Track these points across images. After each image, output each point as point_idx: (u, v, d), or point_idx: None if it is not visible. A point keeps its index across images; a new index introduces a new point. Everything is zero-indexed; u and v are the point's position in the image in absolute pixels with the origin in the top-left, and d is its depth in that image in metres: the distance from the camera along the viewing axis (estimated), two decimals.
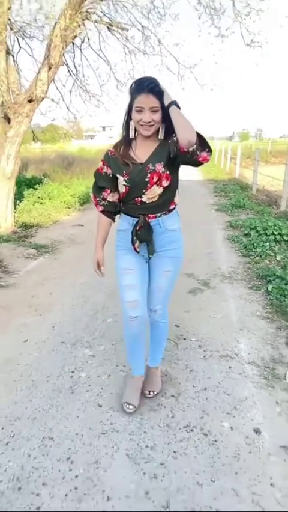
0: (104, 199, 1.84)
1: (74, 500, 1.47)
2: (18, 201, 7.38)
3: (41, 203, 7.96)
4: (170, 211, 1.80)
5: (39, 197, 8.34)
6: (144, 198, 1.71)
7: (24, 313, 3.07)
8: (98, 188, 1.84)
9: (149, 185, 1.67)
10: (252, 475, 1.59)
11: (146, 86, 1.56)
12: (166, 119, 1.61)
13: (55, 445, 1.73)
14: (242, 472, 1.60)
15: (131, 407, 1.94)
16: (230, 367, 2.35)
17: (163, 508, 1.43)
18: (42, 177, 9.95)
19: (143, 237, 1.75)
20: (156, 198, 1.71)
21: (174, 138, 1.55)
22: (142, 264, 1.85)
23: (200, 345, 2.60)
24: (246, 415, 1.93)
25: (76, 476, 1.57)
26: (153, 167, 1.66)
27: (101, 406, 2.00)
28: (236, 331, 2.81)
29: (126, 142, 1.72)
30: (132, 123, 1.67)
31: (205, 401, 2.04)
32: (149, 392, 2.06)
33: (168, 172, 1.67)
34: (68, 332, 2.77)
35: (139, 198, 1.72)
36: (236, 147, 15.29)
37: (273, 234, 5.02)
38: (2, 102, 5.99)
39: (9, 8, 5.93)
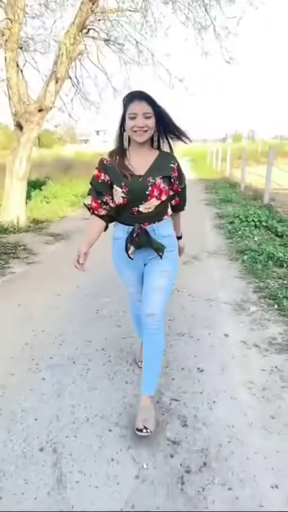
0: (107, 204, 1.86)
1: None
2: (27, 200, 8.32)
3: (47, 202, 8.91)
4: (163, 219, 1.93)
5: (45, 196, 9.29)
6: (141, 208, 1.81)
7: (53, 279, 4.01)
8: (98, 193, 1.85)
9: (148, 197, 1.78)
10: (222, 355, 2.54)
11: (138, 94, 1.72)
12: (159, 128, 1.80)
13: (92, 344, 2.68)
14: (215, 354, 2.55)
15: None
16: (210, 305, 3.32)
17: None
18: (46, 179, 10.91)
19: (142, 242, 1.83)
20: (152, 209, 1.82)
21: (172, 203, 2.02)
22: (140, 274, 2.00)
23: (189, 294, 3.56)
24: (220, 328, 2.89)
25: (108, 357, 2.52)
26: (153, 181, 1.77)
27: (120, 326, 2.94)
28: (217, 286, 3.78)
29: (121, 152, 1.81)
30: (125, 134, 1.79)
31: (192, 321, 3.00)
32: (144, 428, 1.76)
33: (167, 188, 1.83)
34: (89, 288, 3.71)
35: (136, 208, 1.81)
36: (228, 149, 16.37)
37: (253, 220, 6.01)
38: (15, 112, 6.95)
39: (19, 30, 6.91)
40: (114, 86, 9.21)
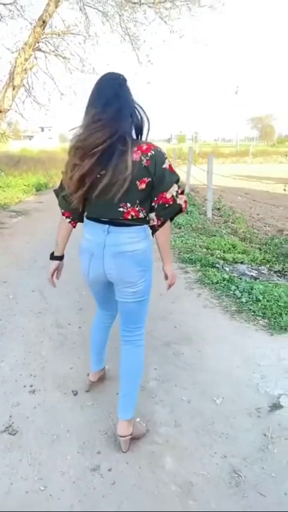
0: None
1: None
2: None
3: (3, 191, 10.56)
4: None
5: (0, 186, 10.92)
6: None
7: (22, 235, 5.88)
8: None
9: None
10: None
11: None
12: None
13: None
14: None
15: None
16: None
17: None
18: None
19: None
20: None
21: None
22: None
23: None
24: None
25: None
26: None
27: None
28: None
29: None
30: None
31: None
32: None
33: None
34: (48, 239, 5.62)
35: None
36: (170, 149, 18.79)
37: None
38: None
39: None
40: (61, 90, 11.10)
